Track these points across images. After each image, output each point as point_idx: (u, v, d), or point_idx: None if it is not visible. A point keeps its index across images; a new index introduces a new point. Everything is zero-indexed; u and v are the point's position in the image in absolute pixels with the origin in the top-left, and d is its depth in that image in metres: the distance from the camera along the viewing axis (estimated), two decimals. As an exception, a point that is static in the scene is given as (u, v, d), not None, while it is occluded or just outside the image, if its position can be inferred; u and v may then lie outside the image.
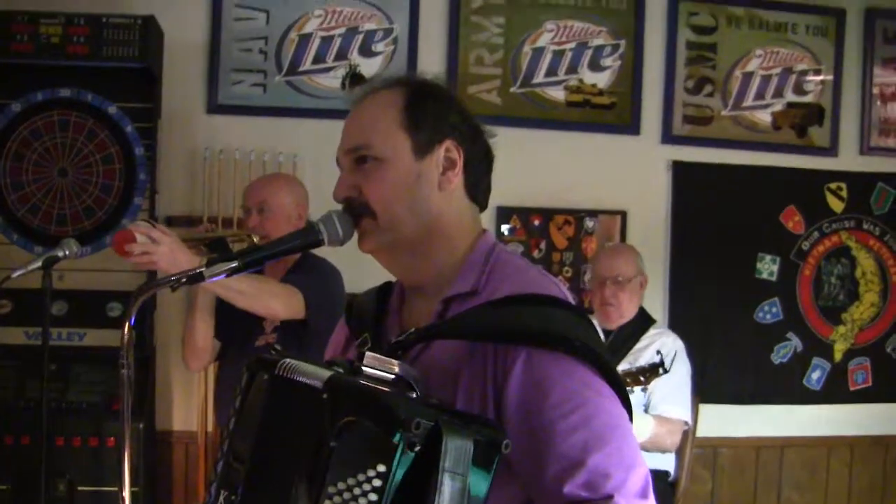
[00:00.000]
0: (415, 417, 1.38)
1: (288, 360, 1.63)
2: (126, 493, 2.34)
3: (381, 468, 1.38)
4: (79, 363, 4.39)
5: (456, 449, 1.40)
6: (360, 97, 1.88)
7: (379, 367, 1.65)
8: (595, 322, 4.43)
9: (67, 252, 3.63)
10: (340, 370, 1.63)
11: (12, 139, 4.50)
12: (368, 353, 1.67)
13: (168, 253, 3.04)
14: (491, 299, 1.75)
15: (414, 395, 1.51)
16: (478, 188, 1.88)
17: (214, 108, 5.02)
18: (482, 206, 1.92)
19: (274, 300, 3.52)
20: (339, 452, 1.43)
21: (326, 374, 1.53)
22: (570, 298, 1.80)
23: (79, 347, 4.39)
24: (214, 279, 1.90)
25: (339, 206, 1.85)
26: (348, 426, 1.44)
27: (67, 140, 4.51)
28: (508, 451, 1.50)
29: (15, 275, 3.60)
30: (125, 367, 2.23)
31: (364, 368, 1.64)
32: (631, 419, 1.72)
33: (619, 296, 4.42)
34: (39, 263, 3.61)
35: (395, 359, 1.67)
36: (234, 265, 1.88)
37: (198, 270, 1.93)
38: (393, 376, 1.64)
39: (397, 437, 1.38)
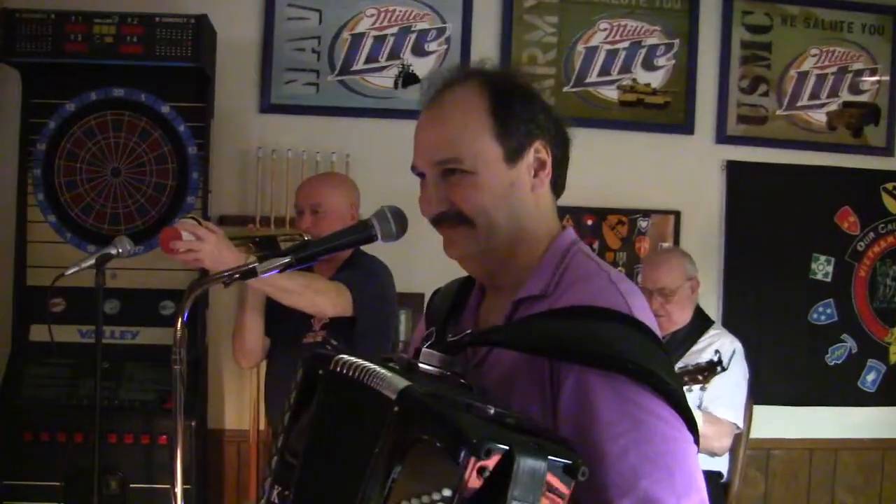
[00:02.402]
0: (485, 442, 1.29)
1: (345, 356, 1.58)
2: (178, 490, 2.35)
3: (447, 493, 1.30)
4: (131, 361, 4.40)
5: (527, 474, 1.31)
6: (435, 97, 1.81)
7: (436, 365, 1.62)
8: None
9: (121, 250, 3.66)
10: (396, 366, 1.60)
11: (66, 139, 4.53)
12: (425, 350, 1.64)
13: (213, 251, 3.02)
14: (552, 308, 1.69)
15: (491, 410, 1.40)
16: (561, 184, 1.86)
17: (267, 107, 5.02)
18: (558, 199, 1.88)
19: (321, 297, 3.50)
20: (403, 468, 1.38)
21: (396, 381, 1.45)
22: (645, 310, 1.71)
23: (131, 346, 4.41)
24: (266, 275, 1.89)
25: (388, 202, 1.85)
26: (416, 443, 1.38)
27: (121, 140, 4.54)
28: (584, 478, 1.37)
29: (68, 272, 3.64)
30: (178, 363, 2.25)
31: (420, 365, 1.61)
32: (697, 443, 1.64)
33: (666, 307, 4.37)
34: (93, 261, 3.64)
35: (452, 356, 1.64)
36: (286, 261, 1.89)
37: (250, 266, 1.95)
38: (449, 373, 1.62)
39: (465, 458, 1.29)
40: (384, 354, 1.70)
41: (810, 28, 5.41)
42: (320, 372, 1.62)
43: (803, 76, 5.42)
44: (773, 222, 5.40)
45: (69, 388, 4.32)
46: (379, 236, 1.89)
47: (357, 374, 1.52)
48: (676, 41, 5.29)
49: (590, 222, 5.24)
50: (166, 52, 4.38)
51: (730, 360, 4.01)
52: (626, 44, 5.25)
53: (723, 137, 5.37)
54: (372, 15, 5.05)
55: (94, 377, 3.87)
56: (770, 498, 5.45)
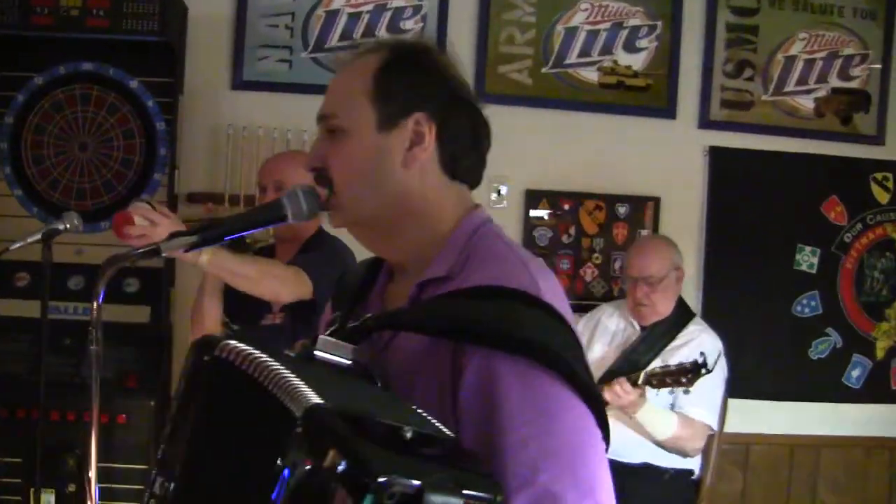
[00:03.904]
0: (392, 480, 1.19)
1: (232, 343, 1.46)
2: (92, 474, 2.36)
3: None
4: (94, 338, 4.35)
5: None
6: (343, 62, 1.78)
7: (334, 353, 1.54)
8: (631, 319, 4.33)
9: (68, 225, 3.61)
10: (292, 355, 1.53)
11: (34, 112, 4.52)
12: (322, 337, 1.56)
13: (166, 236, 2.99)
14: (459, 288, 1.62)
15: (408, 434, 1.29)
16: (457, 164, 1.74)
17: (239, 83, 4.97)
18: (471, 182, 1.79)
19: (278, 284, 3.45)
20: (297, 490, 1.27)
21: (300, 391, 1.31)
22: (557, 293, 1.63)
23: (94, 322, 4.35)
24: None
25: None
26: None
27: (88, 114, 4.51)
28: None
29: (13, 247, 3.62)
30: (94, 342, 2.24)
31: (316, 353, 1.53)
32: (607, 438, 1.55)
33: (651, 296, 4.29)
34: (39, 236, 3.58)
35: (353, 343, 1.56)
36: (192, 240, 1.88)
37: (154, 246, 1.95)
38: (349, 362, 1.54)
39: (367, 501, 1.19)
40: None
41: (799, 11, 5.30)
42: (205, 358, 1.51)
43: (791, 61, 5.31)
44: (756, 211, 5.30)
45: (31, 365, 4.27)
46: (290, 216, 1.84)
47: (249, 367, 1.40)
48: (659, 23, 5.19)
49: (566, 207, 5.16)
50: (133, 25, 4.34)
51: (715, 362, 3.95)
52: (607, 24, 5.15)
53: (706, 122, 5.27)
54: (347, -9, 4.99)
55: (58, 354, 3.84)
56: (748, 495, 5.34)
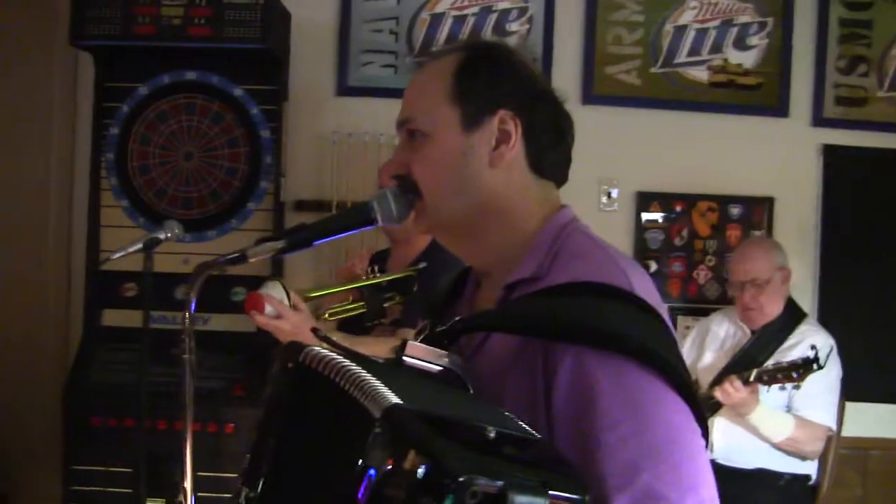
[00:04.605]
0: (472, 480, 1.14)
1: (315, 349, 1.43)
2: (188, 484, 2.37)
3: None
4: (201, 348, 4.30)
5: None
6: (423, 64, 1.74)
7: (424, 359, 1.50)
8: (741, 324, 4.23)
9: (169, 234, 3.57)
10: (379, 360, 1.48)
11: (139, 122, 4.54)
12: (410, 342, 1.52)
13: (291, 331, 3.00)
14: (547, 287, 1.56)
15: (492, 434, 1.25)
16: (544, 161, 1.68)
17: (344, 89, 4.97)
18: (558, 180, 1.73)
19: None
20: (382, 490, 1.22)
21: (380, 392, 1.28)
22: (649, 289, 1.57)
23: (201, 332, 4.26)
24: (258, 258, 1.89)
25: None
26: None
27: (193, 123, 4.53)
28: None
29: (114, 256, 3.57)
30: (188, 352, 2.42)
31: (405, 359, 1.49)
32: (706, 434, 1.49)
33: (758, 299, 4.20)
34: (140, 245, 3.54)
35: (443, 348, 1.52)
36: (281, 245, 1.85)
37: (240, 253, 1.96)
38: (439, 368, 1.49)
39: (448, 501, 1.15)
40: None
41: (915, 4, 5.15)
42: (289, 365, 1.48)
43: (907, 56, 5.16)
44: (872, 210, 5.15)
45: (139, 374, 4.27)
46: (379, 219, 1.78)
47: (331, 372, 1.37)
48: (770, 19, 5.07)
49: (679, 208, 5.06)
50: (234, 33, 4.35)
51: (827, 357, 3.86)
52: (716, 22, 5.05)
53: (819, 120, 5.13)
54: (451, -6, 4.96)
55: (164, 363, 3.80)
56: (868, 502, 5.17)
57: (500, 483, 1.15)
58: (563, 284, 1.53)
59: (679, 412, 1.44)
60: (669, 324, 1.55)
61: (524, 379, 1.49)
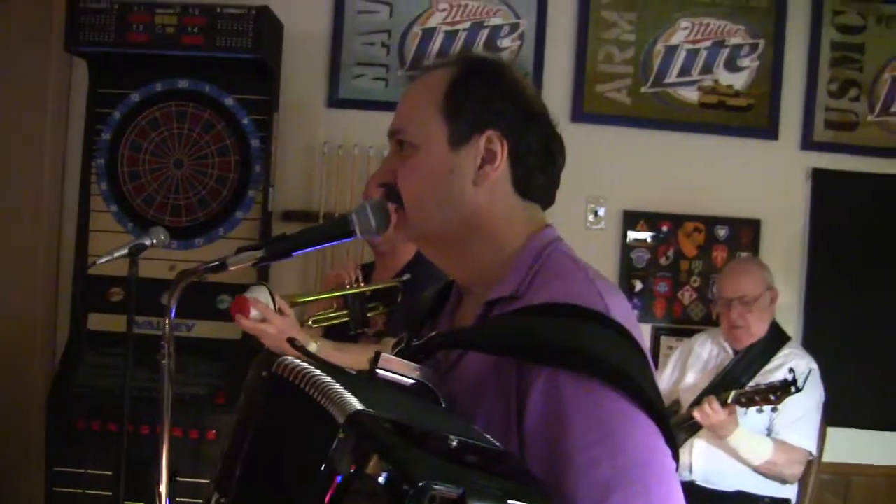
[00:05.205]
0: (433, 485, 1.16)
1: (289, 359, 1.45)
2: (163, 489, 2.39)
3: None
4: (186, 354, 4.34)
5: None
6: (417, 76, 1.76)
7: (395, 371, 1.51)
8: (724, 344, 4.25)
9: (155, 241, 3.61)
10: (353, 372, 1.48)
11: (131, 129, 4.57)
12: (384, 355, 1.52)
13: (276, 335, 3.04)
14: (524, 306, 1.57)
15: (454, 442, 1.28)
16: (530, 183, 1.70)
17: (335, 101, 4.99)
18: (543, 201, 1.74)
19: None
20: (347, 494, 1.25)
21: (346, 399, 1.31)
22: (625, 312, 1.57)
23: (186, 338, 4.35)
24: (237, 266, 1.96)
25: None
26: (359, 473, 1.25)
27: (184, 131, 4.57)
28: None
29: (100, 261, 3.60)
30: (167, 357, 2.44)
31: (377, 371, 1.50)
32: (676, 457, 1.49)
33: (746, 317, 4.22)
34: (125, 251, 3.58)
35: (418, 362, 1.53)
36: (260, 254, 1.92)
37: (220, 261, 2.03)
38: (412, 381, 1.51)
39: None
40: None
41: (907, 29, 5.16)
42: (263, 374, 1.49)
43: (897, 81, 5.17)
44: (861, 234, 5.14)
45: (122, 379, 4.30)
46: (358, 231, 1.81)
47: (301, 381, 1.39)
48: (761, 41, 5.08)
49: (665, 228, 5.07)
50: (227, 43, 4.40)
51: (805, 380, 3.85)
52: (707, 43, 5.07)
53: (809, 143, 5.13)
54: (444, 9, 4.98)
55: (149, 369, 3.83)
56: (847, 527, 5.16)
57: (460, 490, 1.17)
58: (539, 305, 1.54)
59: (651, 434, 1.45)
60: (644, 346, 1.55)
61: (498, 398, 1.50)
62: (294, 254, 1.95)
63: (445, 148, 1.64)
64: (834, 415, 4.36)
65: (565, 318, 1.50)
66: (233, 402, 4.09)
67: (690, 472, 4.09)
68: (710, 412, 3.89)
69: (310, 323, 3.45)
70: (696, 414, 3.94)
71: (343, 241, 1.90)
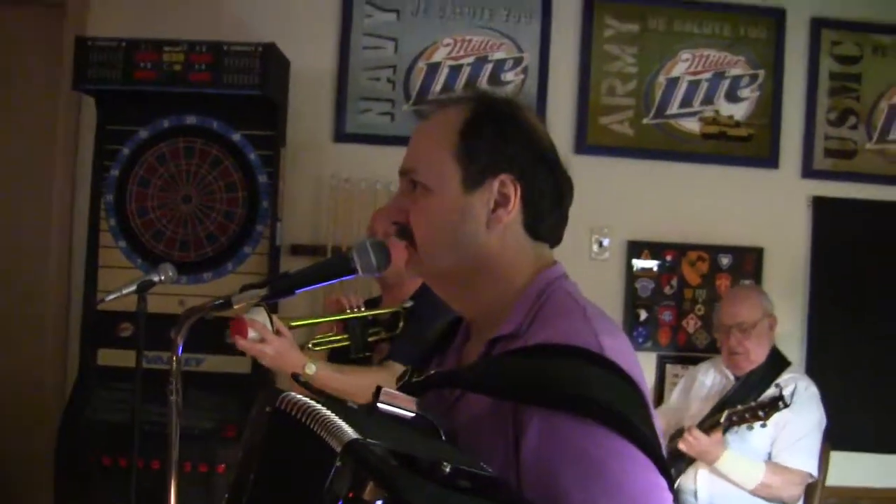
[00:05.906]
0: None
1: (291, 394, 1.48)
2: None
3: None
4: (195, 388, 4.35)
5: None
6: (428, 113, 1.78)
7: (396, 405, 1.53)
8: (725, 371, 4.28)
9: (163, 277, 3.63)
10: (354, 406, 1.52)
11: (139, 165, 4.59)
12: (385, 389, 1.54)
13: (274, 356, 3.06)
14: (521, 346, 1.59)
15: (447, 469, 1.31)
16: (541, 224, 1.71)
17: (342, 136, 5.03)
18: (552, 241, 1.75)
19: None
20: None
21: (343, 430, 1.36)
22: (621, 348, 1.58)
23: (195, 373, 4.36)
24: (242, 303, 2.03)
25: None
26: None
27: (192, 167, 4.58)
28: None
29: (109, 298, 3.63)
30: (174, 393, 2.45)
31: (378, 405, 1.52)
32: (672, 488, 1.51)
33: (744, 343, 4.25)
34: (134, 287, 3.60)
35: (419, 397, 1.55)
36: (263, 292, 1.96)
37: (224, 299, 2.09)
38: (412, 415, 1.52)
39: None
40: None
41: (902, 58, 5.22)
42: (267, 409, 1.53)
43: (895, 108, 5.21)
44: (863, 262, 5.18)
45: (132, 414, 4.31)
46: (359, 269, 1.84)
47: (303, 416, 1.43)
48: (761, 72, 5.15)
49: (669, 258, 5.11)
50: (234, 80, 4.43)
51: (792, 395, 3.88)
52: (708, 74, 5.13)
53: (809, 172, 5.19)
54: (448, 45, 5.03)
55: (160, 404, 3.83)
56: (855, 551, 5.18)
57: None
58: (534, 346, 1.55)
59: (647, 470, 1.46)
60: (642, 382, 1.56)
61: (496, 435, 1.51)
62: (297, 291, 1.97)
63: (459, 191, 1.65)
64: (838, 439, 4.39)
65: (559, 359, 1.51)
66: (242, 435, 4.12)
67: (696, 498, 4.10)
68: (692, 440, 3.94)
69: (310, 346, 3.46)
70: (682, 445, 3.97)
71: (345, 278, 1.92)
